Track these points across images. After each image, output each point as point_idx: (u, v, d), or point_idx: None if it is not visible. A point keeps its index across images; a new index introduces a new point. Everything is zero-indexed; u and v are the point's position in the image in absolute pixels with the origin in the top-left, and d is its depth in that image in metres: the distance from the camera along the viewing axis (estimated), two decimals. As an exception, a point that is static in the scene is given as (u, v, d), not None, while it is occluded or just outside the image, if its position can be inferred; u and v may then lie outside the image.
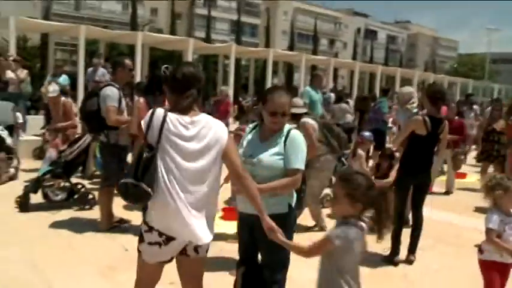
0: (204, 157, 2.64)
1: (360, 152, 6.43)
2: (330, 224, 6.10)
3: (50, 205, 6.20)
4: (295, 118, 5.50)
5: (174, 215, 2.59)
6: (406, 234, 5.01)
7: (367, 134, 6.81)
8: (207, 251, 2.79)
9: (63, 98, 8.11)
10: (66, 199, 6.38)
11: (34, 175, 6.62)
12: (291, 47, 46.62)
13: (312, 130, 5.46)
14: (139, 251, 2.71)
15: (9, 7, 35.03)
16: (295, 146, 3.05)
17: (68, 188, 6.41)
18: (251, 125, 3.39)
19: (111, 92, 5.28)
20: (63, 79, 10.99)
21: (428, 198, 7.77)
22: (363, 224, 2.46)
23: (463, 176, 9.78)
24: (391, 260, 4.93)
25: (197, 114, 2.69)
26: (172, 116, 2.63)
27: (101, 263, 4.15)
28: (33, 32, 30.80)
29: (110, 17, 45.06)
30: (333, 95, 13.48)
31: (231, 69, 25.12)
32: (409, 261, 4.95)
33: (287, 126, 3.15)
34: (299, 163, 3.03)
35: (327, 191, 7.21)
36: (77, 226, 5.49)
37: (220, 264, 4.41)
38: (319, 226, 5.99)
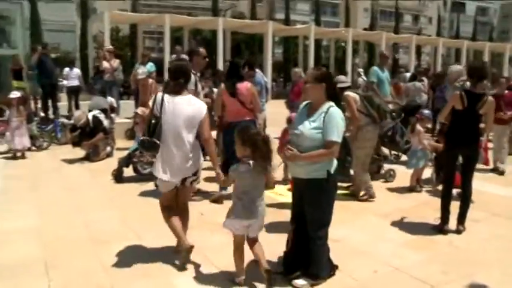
0: (188, 123, 4.03)
1: (419, 128, 6.75)
2: (383, 193, 6.53)
3: (139, 177, 7.17)
4: (341, 92, 6.11)
5: (167, 161, 4.04)
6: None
7: (426, 112, 7.11)
8: (191, 184, 4.34)
9: (150, 80, 9.07)
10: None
11: (126, 152, 7.62)
12: (372, 25, 45.71)
13: (353, 102, 6.03)
14: (157, 186, 4.48)
15: (103, 1, 37.62)
16: (332, 120, 3.55)
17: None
18: (304, 102, 3.93)
19: None
20: (150, 66, 11.99)
21: (492, 175, 7.94)
22: (250, 162, 3.61)
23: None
24: (440, 229, 5.14)
25: (186, 94, 4.13)
26: (167, 96, 4.04)
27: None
28: (124, 24, 32.90)
29: (193, 3, 46.65)
30: (408, 74, 13.48)
31: (310, 50, 25.44)
32: (457, 231, 5.11)
33: (328, 104, 3.65)
34: (335, 136, 3.53)
35: (390, 166, 7.62)
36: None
37: (283, 227, 4.99)
38: (368, 194, 6.35)
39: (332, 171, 3.65)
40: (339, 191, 6.37)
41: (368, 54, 40.13)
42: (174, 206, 4.34)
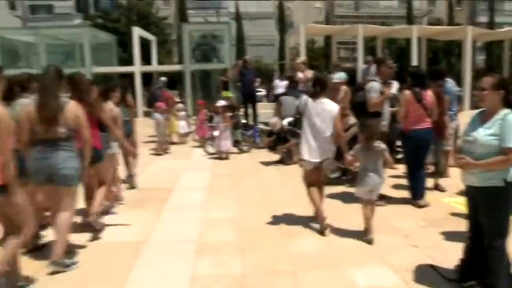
0: (325, 119, 5.37)
1: None
2: None
3: (327, 181, 7.55)
4: None
5: (309, 147, 5.43)
6: None
7: None
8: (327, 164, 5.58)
9: (344, 87, 9.43)
10: (339, 177, 7.71)
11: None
12: None
13: None
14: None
15: (300, 15, 39.66)
16: (509, 127, 3.47)
17: (343, 168, 7.69)
18: (478, 110, 3.89)
19: (373, 85, 6.47)
20: (340, 76, 12.43)
21: None
22: (365, 144, 5.13)
23: None
24: None
25: (323, 98, 5.49)
26: (309, 100, 5.49)
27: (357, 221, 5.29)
28: (319, 36, 34.16)
29: (387, 12, 46.06)
30: None
31: (517, 55, 23.16)
32: None
33: (504, 111, 3.57)
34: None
35: None
36: (346, 198, 6.72)
37: (462, 235, 4.90)
38: None
39: (509, 179, 3.53)
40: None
41: None
42: (315, 183, 5.62)
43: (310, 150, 5.44)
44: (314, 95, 5.50)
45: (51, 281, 4.22)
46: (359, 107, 6.64)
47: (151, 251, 4.94)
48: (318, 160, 5.46)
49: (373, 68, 12.67)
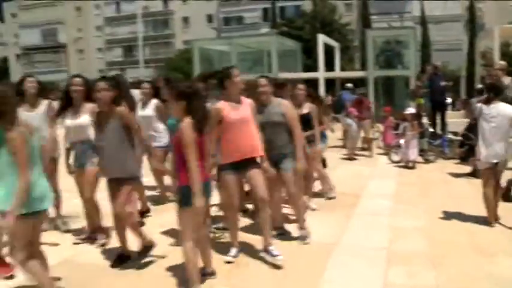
0: (499, 122, 5.66)
1: None
2: None
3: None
4: None
5: (485, 148, 5.73)
6: None
7: None
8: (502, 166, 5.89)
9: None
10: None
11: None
12: None
13: None
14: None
15: (491, 16, 36.52)
16: None
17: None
18: None
19: None
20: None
21: None
22: None
23: None
24: None
25: (497, 102, 5.76)
26: (484, 106, 5.82)
27: None
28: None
29: None
30: None
31: None
32: None
33: None
34: None
35: None
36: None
37: None
38: None
39: None
40: None
41: None
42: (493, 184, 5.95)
43: (485, 151, 5.77)
44: (487, 101, 5.85)
45: (250, 277, 4.59)
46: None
47: (342, 253, 5.10)
48: (492, 161, 5.79)
49: None
